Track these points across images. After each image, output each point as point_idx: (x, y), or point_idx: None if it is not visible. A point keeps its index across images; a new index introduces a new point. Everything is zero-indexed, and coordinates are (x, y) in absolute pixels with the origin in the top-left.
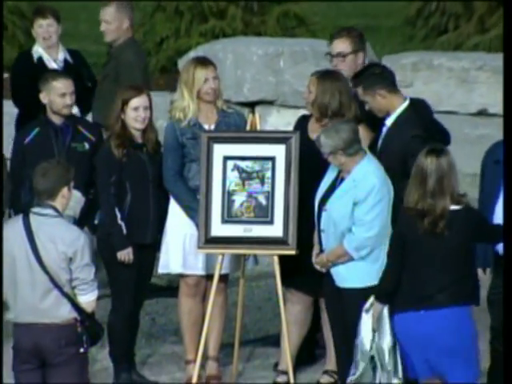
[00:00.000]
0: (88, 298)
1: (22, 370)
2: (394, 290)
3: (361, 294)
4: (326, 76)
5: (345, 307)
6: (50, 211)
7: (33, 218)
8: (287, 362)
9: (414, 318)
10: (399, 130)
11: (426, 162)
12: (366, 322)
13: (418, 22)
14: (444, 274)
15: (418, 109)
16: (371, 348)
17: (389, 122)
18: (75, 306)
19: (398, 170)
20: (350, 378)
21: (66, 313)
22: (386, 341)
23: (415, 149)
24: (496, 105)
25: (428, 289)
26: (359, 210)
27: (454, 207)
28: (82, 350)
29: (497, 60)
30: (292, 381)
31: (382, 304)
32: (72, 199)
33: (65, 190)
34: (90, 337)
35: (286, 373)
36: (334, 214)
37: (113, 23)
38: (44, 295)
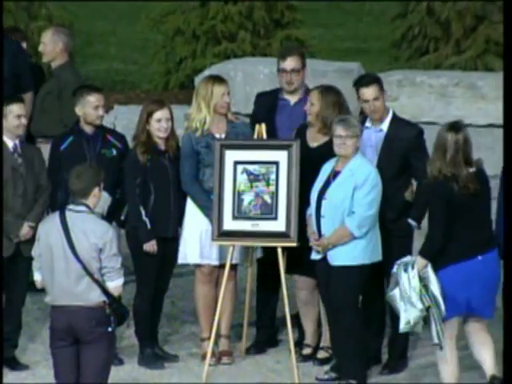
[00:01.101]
0: (115, 284)
1: (57, 346)
2: (441, 248)
3: (355, 271)
4: (328, 91)
5: (338, 283)
6: (83, 208)
7: (68, 215)
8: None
9: (474, 263)
10: (399, 131)
11: (447, 137)
12: (410, 279)
13: (402, 45)
14: (481, 225)
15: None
16: (421, 300)
17: (384, 125)
18: (104, 290)
19: (398, 166)
20: (402, 327)
21: (96, 297)
22: (438, 290)
23: (419, 144)
24: (470, 116)
25: (475, 238)
26: (359, 193)
27: (471, 169)
28: (109, 329)
29: (471, 77)
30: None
31: (426, 261)
32: (101, 199)
33: (96, 190)
34: (117, 318)
35: (310, 346)
36: (334, 200)
37: (48, 45)
38: (77, 281)
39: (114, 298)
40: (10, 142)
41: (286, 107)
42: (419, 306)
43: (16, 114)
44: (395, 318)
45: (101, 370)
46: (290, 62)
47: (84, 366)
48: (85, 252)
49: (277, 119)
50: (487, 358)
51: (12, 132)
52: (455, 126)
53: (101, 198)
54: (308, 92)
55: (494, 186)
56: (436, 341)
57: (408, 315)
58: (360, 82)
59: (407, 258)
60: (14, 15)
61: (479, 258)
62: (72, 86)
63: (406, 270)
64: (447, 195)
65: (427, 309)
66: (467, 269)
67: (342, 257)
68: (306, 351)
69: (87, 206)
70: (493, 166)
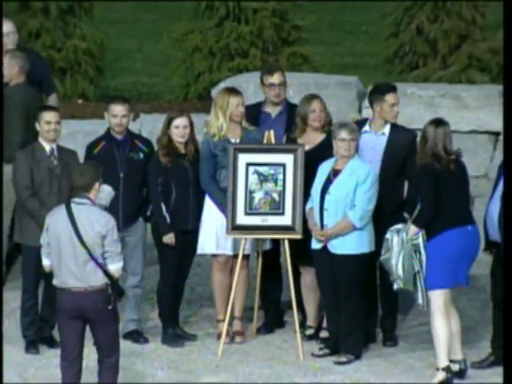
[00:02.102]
0: (116, 266)
1: (65, 324)
2: (432, 217)
3: (356, 259)
4: (321, 98)
5: (345, 271)
6: (86, 201)
7: (73, 207)
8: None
9: (465, 231)
10: (398, 136)
11: (426, 130)
12: (404, 243)
13: (395, 61)
14: (465, 199)
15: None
16: (412, 263)
17: (386, 130)
18: (106, 273)
19: (398, 166)
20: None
21: (100, 279)
22: (425, 260)
23: (414, 148)
24: (455, 124)
25: (463, 211)
26: (361, 189)
27: (451, 157)
28: (110, 307)
29: (455, 89)
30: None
31: (418, 228)
32: (104, 192)
33: (96, 185)
34: (116, 297)
35: (312, 327)
36: (338, 195)
37: (7, 68)
38: (83, 265)
39: (113, 280)
40: (47, 146)
41: (267, 119)
42: (409, 266)
43: (46, 120)
44: (387, 298)
45: (112, 342)
46: (278, 77)
47: (98, 342)
48: (90, 239)
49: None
50: (454, 341)
51: (45, 138)
52: (436, 121)
53: (104, 192)
54: (289, 106)
55: (476, 185)
56: (420, 302)
57: (400, 272)
58: (384, 89)
59: (400, 225)
60: (52, 34)
61: (469, 227)
62: (16, 106)
63: (398, 234)
64: (434, 173)
65: (416, 273)
66: (461, 236)
67: (346, 246)
68: (309, 332)
69: (90, 199)
70: (475, 169)
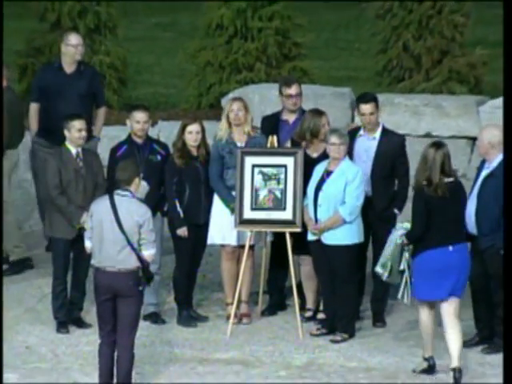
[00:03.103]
0: (149, 252)
1: (100, 299)
2: (422, 235)
3: (346, 249)
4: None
5: (338, 260)
6: (127, 193)
7: (116, 198)
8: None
9: (446, 252)
10: (389, 140)
11: (427, 152)
12: (397, 237)
13: (384, 74)
14: (453, 223)
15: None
16: (401, 259)
17: (377, 135)
18: (139, 258)
19: (389, 167)
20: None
21: (133, 262)
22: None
23: (403, 150)
24: (437, 130)
25: (447, 232)
26: (350, 187)
27: (448, 179)
28: (140, 288)
29: (437, 99)
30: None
31: (408, 242)
32: (141, 187)
33: (137, 180)
34: (146, 280)
35: (311, 310)
36: (330, 193)
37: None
38: (121, 250)
39: (144, 264)
40: (73, 149)
41: (285, 126)
42: (395, 262)
43: (77, 128)
44: (378, 284)
45: (133, 319)
46: (295, 88)
47: (121, 316)
48: (129, 227)
49: (280, 136)
50: (454, 348)
51: (74, 143)
52: (436, 144)
53: (140, 187)
54: (303, 112)
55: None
56: (399, 297)
57: (386, 260)
58: (361, 99)
59: (405, 224)
60: None
61: (450, 248)
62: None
63: (396, 229)
64: (424, 198)
65: (402, 271)
66: (440, 255)
67: (337, 238)
68: (308, 314)
69: (130, 192)
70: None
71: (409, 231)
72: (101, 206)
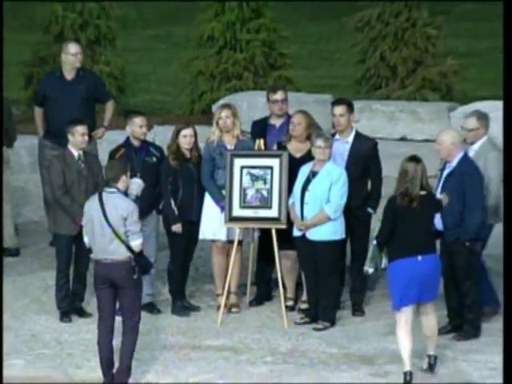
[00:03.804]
0: (136, 242)
1: (99, 289)
2: (386, 241)
3: (330, 244)
4: (306, 113)
5: (323, 255)
6: (114, 190)
7: (104, 195)
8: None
9: (414, 262)
10: (360, 143)
11: (407, 166)
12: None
13: (362, 82)
14: (423, 233)
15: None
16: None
17: (350, 138)
18: (129, 248)
19: (361, 168)
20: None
21: (123, 252)
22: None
23: (375, 153)
24: (411, 134)
25: (415, 242)
26: (335, 187)
27: (422, 192)
28: (135, 277)
29: (412, 106)
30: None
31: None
32: (136, 184)
33: (124, 177)
34: (142, 268)
35: (291, 299)
36: (316, 192)
37: None
38: (110, 242)
39: (137, 253)
40: (75, 153)
41: (273, 130)
42: (379, 258)
43: (81, 132)
44: (357, 276)
45: (131, 305)
46: (280, 94)
47: (121, 305)
48: (114, 220)
49: (267, 139)
50: (430, 341)
51: (77, 146)
52: (415, 159)
53: (135, 184)
54: (289, 117)
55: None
56: (365, 268)
57: (370, 260)
58: (334, 102)
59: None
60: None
61: (419, 257)
62: None
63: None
64: (393, 209)
65: (384, 268)
66: (409, 265)
67: (321, 234)
68: (289, 303)
69: (117, 189)
70: (428, 171)
71: (377, 234)
72: (92, 203)
